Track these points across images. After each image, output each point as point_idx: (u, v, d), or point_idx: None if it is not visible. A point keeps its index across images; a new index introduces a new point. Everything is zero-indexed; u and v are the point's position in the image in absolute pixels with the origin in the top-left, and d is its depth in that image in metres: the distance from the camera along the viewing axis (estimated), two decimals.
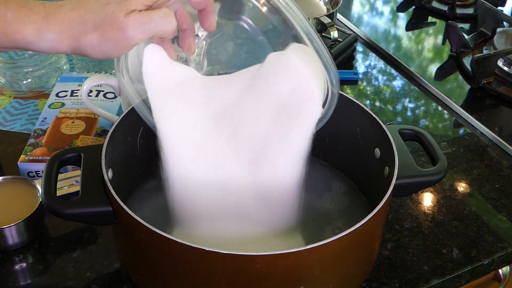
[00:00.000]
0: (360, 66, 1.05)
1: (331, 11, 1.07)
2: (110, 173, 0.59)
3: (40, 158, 0.73)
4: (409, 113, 0.94)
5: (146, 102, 0.58)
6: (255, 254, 0.49)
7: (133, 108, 0.65)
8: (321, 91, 0.57)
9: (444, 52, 1.11)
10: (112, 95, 0.84)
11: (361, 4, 1.31)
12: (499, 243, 0.70)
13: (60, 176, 0.64)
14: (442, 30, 1.19)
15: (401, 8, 1.28)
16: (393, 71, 1.04)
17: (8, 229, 0.63)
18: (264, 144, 0.59)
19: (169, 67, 0.59)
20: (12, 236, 0.63)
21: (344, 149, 0.73)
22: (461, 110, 0.93)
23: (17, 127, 0.84)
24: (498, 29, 1.08)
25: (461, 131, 0.90)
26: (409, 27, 1.21)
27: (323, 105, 0.58)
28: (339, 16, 1.18)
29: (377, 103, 0.96)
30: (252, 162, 0.59)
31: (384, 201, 0.55)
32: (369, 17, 1.25)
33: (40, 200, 0.65)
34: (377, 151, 0.65)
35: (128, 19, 0.49)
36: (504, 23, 1.11)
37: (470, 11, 1.22)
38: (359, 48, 1.10)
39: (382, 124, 0.64)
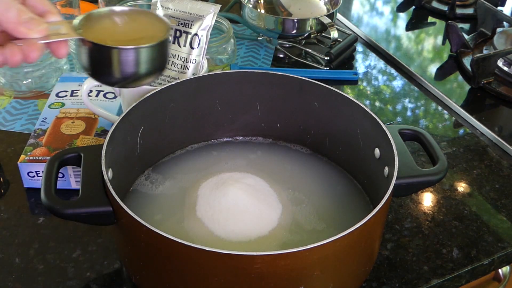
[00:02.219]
0: (360, 66, 1.05)
1: (331, 11, 1.07)
2: (110, 173, 0.59)
3: (40, 158, 0.73)
4: (409, 113, 0.94)
5: None
6: (255, 254, 0.49)
7: (133, 108, 0.65)
8: None
9: (444, 52, 1.11)
10: (112, 95, 0.84)
11: (361, 4, 1.31)
12: (499, 243, 0.70)
13: None
14: (442, 30, 1.19)
15: (401, 8, 1.28)
16: (393, 71, 1.04)
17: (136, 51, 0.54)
18: None
19: None
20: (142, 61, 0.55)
21: (344, 149, 0.73)
22: (461, 110, 0.93)
23: (17, 127, 0.84)
24: (498, 29, 1.09)
25: (461, 131, 0.90)
26: (409, 27, 1.21)
27: None
28: (339, 16, 1.19)
29: (377, 103, 0.96)
30: None
31: (384, 201, 0.55)
32: (369, 17, 1.25)
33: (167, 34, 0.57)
34: (377, 151, 0.65)
35: None
36: (504, 23, 1.11)
37: (470, 11, 1.22)
38: (359, 48, 1.10)
39: (382, 124, 0.64)
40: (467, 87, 1.00)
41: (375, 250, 0.63)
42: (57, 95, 0.85)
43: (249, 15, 1.05)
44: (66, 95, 0.84)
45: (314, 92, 0.71)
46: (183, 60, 0.75)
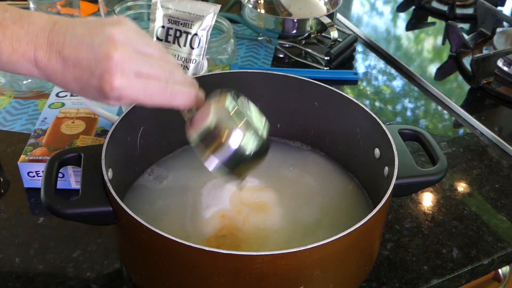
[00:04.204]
0: (360, 66, 1.05)
1: (331, 11, 1.07)
2: (110, 173, 0.59)
3: (40, 158, 0.73)
4: (409, 113, 0.94)
5: None
6: (255, 254, 0.49)
7: (133, 108, 0.65)
8: None
9: (444, 52, 1.11)
10: None
11: (361, 4, 1.31)
12: (499, 243, 0.70)
13: None
14: (442, 30, 1.19)
15: (401, 8, 1.28)
16: (393, 71, 1.04)
17: None
18: None
19: None
20: None
21: (344, 149, 0.73)
22: (461, 110, 0.93)
23: (17, 127, 0.84)
24: (498, 29, 1.09)
25: (461, 131, 0.90)
26: (409, 27, 1.21)
27: None
28: (339, 16, 1.19)
29: (377, 103, 0.96)
30: None
31: (384, 201, 0.55)
32: (369, 17, 1.25)
33: None
34: (377, 151, 0.65)
35: (113, 93, 0.49)
36: (504, 23, 1.11)
37: (470, 11, 1.22)
38: (359, 48, 1.10)
39: (382, 124, 0.64)
40: (467, 87, 1.00)
41: (375, 250, 0.63)
42: (57, 95, 0.85)
43: (249, 15, 1.05)
44: (66, 95, 0.84)
45: (314, 92, 0.71)
46: (183, 60, 0.75)
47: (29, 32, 0.49)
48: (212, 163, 0.54)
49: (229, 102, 0.55)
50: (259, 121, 0.57)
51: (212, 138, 0.53)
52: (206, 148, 0.54)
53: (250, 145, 0.54)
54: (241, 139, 0.53)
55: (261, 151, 0.56)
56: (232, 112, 0.54)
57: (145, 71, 0.50)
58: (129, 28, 0.50)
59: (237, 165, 0.55)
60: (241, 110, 0.55)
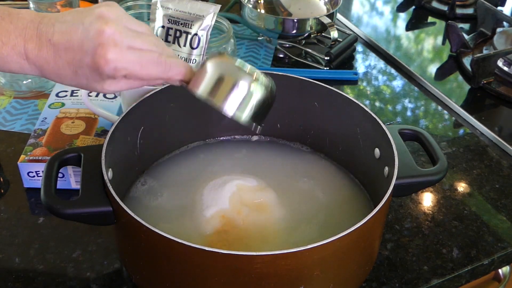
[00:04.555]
0: (360, 66, 1.05)
1: (331, 11, 1.07)
2: (110, 173, 0.59)
3: (40, 158, 0.73)
4: (409, 113, 0.94)
5: None
6: (255, 254, 0.49)
7: (133, 108, 0.65)
8: None
9: (444, 52, 1.11)
10: (112, 95, 0.84)
11: (361, 4, 1.31)
12: (499, 243, 0.70)
13: None
14: (442, 30, 1.19)
15: (401, 8, 1.28)
16: (393, 71, 1.04)
17: None
18: None
19: None
20: None
21: (344, 149, 0.73)
22: (461, 110, 0.93)
23: (17, 127, 0.84)
24: (498, 29, 1.09)
25: (461, 131, 0.90)
26: (409, 27, 1.21)
27: None
28: (339, 16, 1.19)
29: (377, 103, 0.96)
30: None
31: (384, 201, 0.55)
32: (369, 17, 1.25)
33: None
34: (377, 151, 0.65)
35: (106, 87, 0.50)
36: (504, 23, 1.11)
37: (470, 11, 1.22)
38: (359, 48, 1.10)
39: (382, 124, 0.64)
40: (467, 87, 1.00)
41: (375, 250, 0.63)
42: (57, 95, 0.85)
43: (249, 15, 1.05)
44: (66, 95, 0.84)
45: (314, 92, 0.71)
46: (183, 60, 0.75)
47: (18, 26, 0.50)
48: (227, 110, 0.55)
49: (226, 55, 0.57)
50: (257, 71, 0.58)
51: (219, 87, 0.55)
52: (216, 98, 0.55)
53: (257, 89, 0.56)
54: (248, 83, 0.55)
55: (269, 95, 0.56)
56: (235, 62, 0.56)
57: (138, 45, 0.51)
58: (118, 9, 0.51)
59: (251, 109, 0.56)
60: (239, 60, 0.57)
